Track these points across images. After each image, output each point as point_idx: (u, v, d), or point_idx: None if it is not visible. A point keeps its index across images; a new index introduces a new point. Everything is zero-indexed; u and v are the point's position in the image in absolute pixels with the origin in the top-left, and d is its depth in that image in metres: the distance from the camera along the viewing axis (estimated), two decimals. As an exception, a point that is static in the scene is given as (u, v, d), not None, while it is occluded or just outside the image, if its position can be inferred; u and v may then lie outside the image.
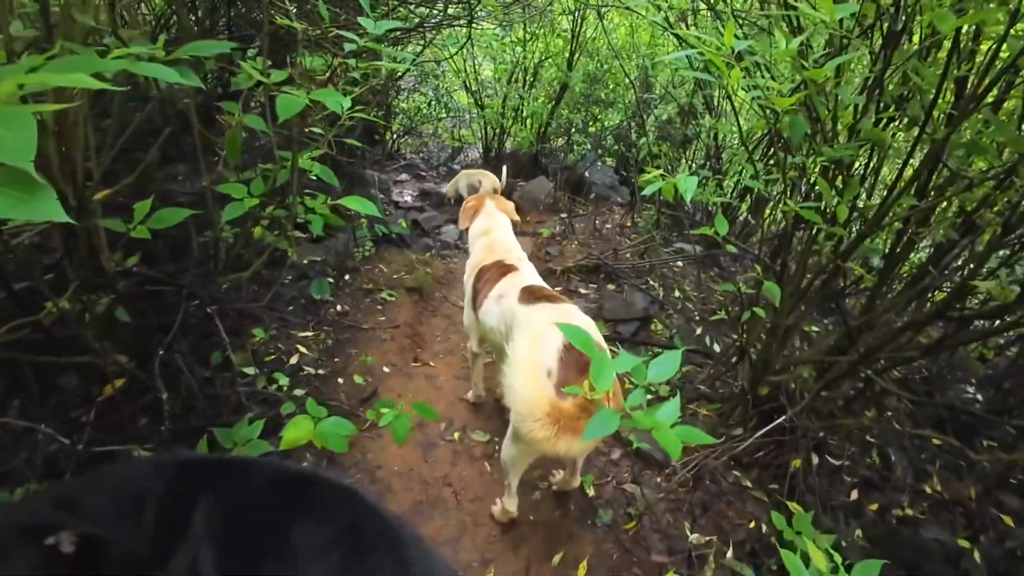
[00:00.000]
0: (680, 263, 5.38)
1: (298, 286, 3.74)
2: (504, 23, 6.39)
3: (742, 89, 1.74)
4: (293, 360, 3.11)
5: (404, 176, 9.05)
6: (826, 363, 2.68)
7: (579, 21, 7.15)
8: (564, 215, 6.83)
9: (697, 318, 4.28)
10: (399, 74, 9.20)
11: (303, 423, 1.92)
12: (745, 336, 2.95)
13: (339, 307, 3.68)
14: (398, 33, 4.07)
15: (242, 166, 2.80)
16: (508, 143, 8.84)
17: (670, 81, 8.98)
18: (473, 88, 8.03)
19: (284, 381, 2.79)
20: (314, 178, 2.48)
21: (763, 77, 2.02)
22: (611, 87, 8.57)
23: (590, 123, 8.57)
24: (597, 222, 6.27)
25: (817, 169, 2.04)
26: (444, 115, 10.29)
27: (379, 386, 3.10)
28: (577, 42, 7.18)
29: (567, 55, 7.25)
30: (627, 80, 9.13)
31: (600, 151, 8.46)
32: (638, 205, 6.65)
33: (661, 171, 2.15)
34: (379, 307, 3.86)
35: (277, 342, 3.22)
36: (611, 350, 1.76)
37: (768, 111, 2.24)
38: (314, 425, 1.92)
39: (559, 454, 1.77)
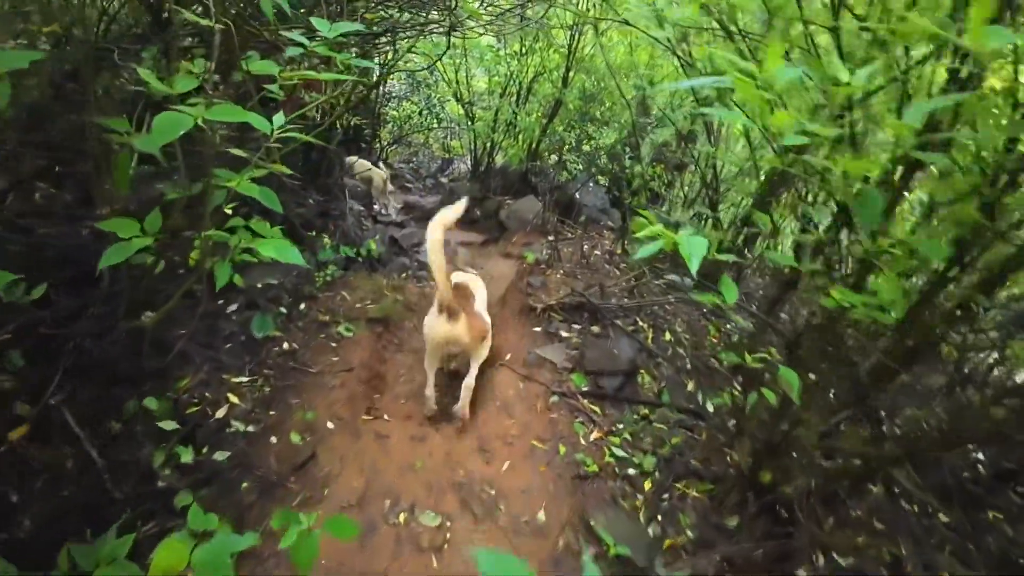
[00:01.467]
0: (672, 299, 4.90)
1: (244, 317, 3.22)
2: (496, 33, 5.91)
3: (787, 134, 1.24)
4: (221, 412, 2.59)
5: (389, 187, 8.54)
6: (845, 460, 2.21)
7: (576, 37, 6.69)
8: (551, 238, 6.36)
9: (688, 367, 3.80)
10: (382, 81, 8.72)
11: (176, 547, 1.41)
12: (745, 419, 2.47)
13: (286, 344, 3.16)
14: (365, 39, 3.56)
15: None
16: (498, 157, 8.36)
17: (668, 103, 8.57)
18: (465, 99, 7.55)
19: (188, 457, 2.26)
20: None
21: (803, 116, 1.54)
22: (607, 105, 8.14)
23: (583, 141, 8.12)
24: (585, 248, 5.79)
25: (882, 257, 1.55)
26: (435, 125, 9.81)
27: (318, 447, 2.58)
28: (573, 58, 6.72)
29: (563, 71, 6.78)
30: (623, 100, 8.75)
31: (593, 170, 8.01)
32: (629, 232, 6.17)
33: (657, 218, 1.67)
34: (333, 344, 3.33)
35: (206, 388, 2.69)
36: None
37: (788, 152, 1.78)
38: (190, 550, 1.42)
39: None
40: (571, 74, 6.77)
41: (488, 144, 7.76)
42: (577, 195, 7.01)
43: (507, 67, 7.31)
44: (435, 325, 2.78)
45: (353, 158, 7.96)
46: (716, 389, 3.66)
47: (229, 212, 2.19)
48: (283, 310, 3.43)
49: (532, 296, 4.14)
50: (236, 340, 3.03)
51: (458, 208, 3.21)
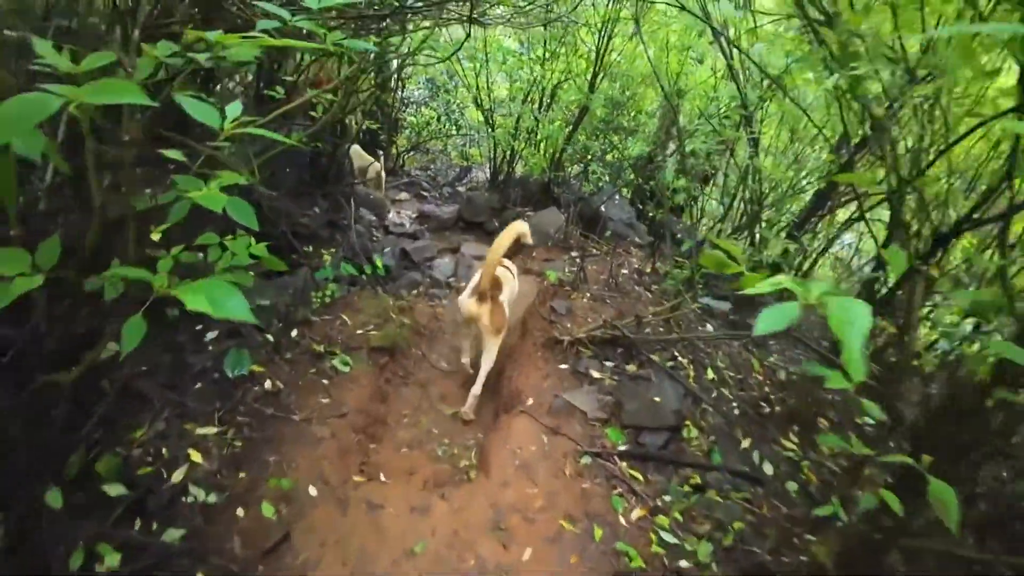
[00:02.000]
0: (710, 328, 4.33)
1: (222, 348, 2.71)
2: (520, 27, 5.40)
3: None
4: (178, 475, 2.07)
5: (404, 195, 8.06)
6: None
7: (605, 39, 6.15)
8: (575, 254, 5.80)
9: (737, 411, 3.23)
10: (400, 86, 8.25)
11: None
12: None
13: (269, 383, 2.64)
14: (364, 22, 3.07)
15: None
16: (519, 167, 7.84)
17: (700, 110, 8.00)
18: (485, 104, 7.05)
19: (113, 561, 1.73)
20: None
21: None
22: (632, 115, 7.57)
23: (608, 151, 7.57)
24: (613, 267, 5.24)
25: None
26: (454, 131, 9.32)
27: (295, 524, 2.04)
28: (602, 63, 6.18)
29: (589, 76, 6.24)
30: (652, 107, 8.23)
31: (619, 182, 7.45)
32: (660, 249, 5.61)
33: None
34: (326, 381, 2.81)
35: (165, 441, 2.18)
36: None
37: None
38: None
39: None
40: (599, 79, 6.23)
41: (508, 152, 7.24)
42: (602, 208, 6.46)
43: (530, 72, 6.79)
44: (465, 302, 3.06)
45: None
46: (768, 444, 3.08)
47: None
48: (270, 338, 2.91)
49: (557, 324, 3.59)
50: (208, 378, 2.52)
51: (517, 229, 3.47)
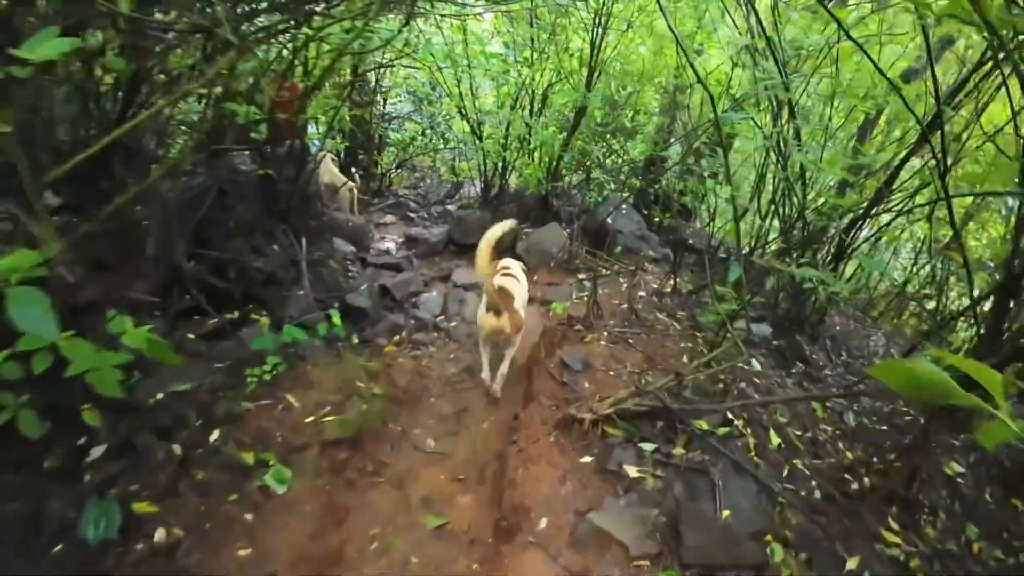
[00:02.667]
0: (754, 362, 3.46)
1: (105, 473, 1.86)
2: (497, 9, 4.58)
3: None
4: None
5: (389, 218, 7.22)
6: None
7: (600, 32, 5.31)
8: (583, 276, 4.94)
9: (820, 494, 2.36)
10: (375, 100, 7.41)
11: None
12: None
13: (162, 532, 1.78)
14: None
15: None
16: (513, 179, 7.01)
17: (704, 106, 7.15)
18: (470, 113, 6.21)
19: None
20: None
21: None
22: (632, 115, 6.73)
23: (608, 155, 6.73)
24: (626, 288, 4.38)
25: None
26: (441, 145, 8.49)
27: None
28: (597, 57, 5.33)
29: (584, 74, 5.40)
30: (651, 106, 7.39)
31: (616, 187, 6.59)
32: (680, 264, 4.76)
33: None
34: (249, 516, 1.93)
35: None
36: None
37: None
38: None
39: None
40: (596, 76, 5.38)
41: (499, 165, 6.40)
42: (609, 220, 5.60)
43: (518, 75, 5.96)
44: (485, 319, 3.02)
45: (322, 153, 6.70)
46: (870, 543, 2.21)
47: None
48: (177, 450, 2.05)
49: (570, 387, 2.72)
50: (71, 536, 1.66)
51: (507, 224, 3.19)
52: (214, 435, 2.20)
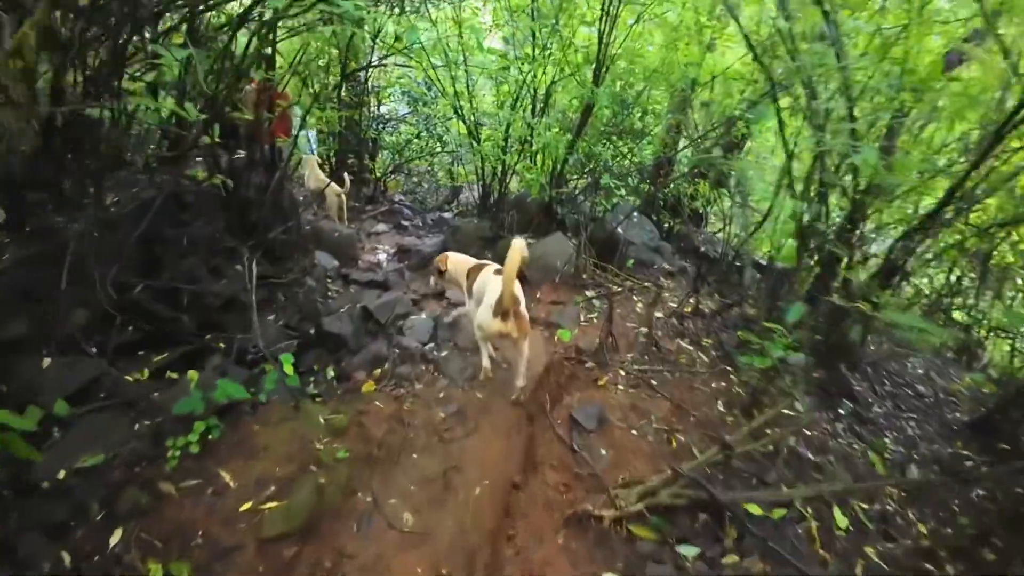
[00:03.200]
0: (801, 408, 2.86)
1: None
2: None
3: None
4: None
5: (381, 226, 6.64)
6: None
7: (609, 24, 4.72)
8: (591, 293, 4.34)
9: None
10: (369, 101, 6.81)
11: None
12: None
13: None
14: None
15: None
16: (513, 184, 6.42)
17: (718, 105, 6.56)
18: (466, 113, 5.63)
19: None
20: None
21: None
22: (640, 115, 6.12)
23: (615, 158, 6.13)
24: (643, 310, 3.78)
25: None
26: (438, 149, 7.91)
27: None
28: (605, 51, 4.74)
29: (592, 69, 4.81)
30: (658, 107, 6.79)
31: (632, 194, 5.99)
32: (702, 281, 4.17)
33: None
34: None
35: None
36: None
37: None
38: None
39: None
40: (604, 71, 4.79)
41: (499, 169, 5.81)
42: (619, 230, 5.00)
43: (518, 72, 5.37)
44: (492, 324, 2.78)
45: (307, 156, 6.13)
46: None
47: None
48: (65, 557, 1.48)
49: (582, 457, 2.12)
50: None
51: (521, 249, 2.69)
52: (116, 535, 1.62)
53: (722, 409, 2.62)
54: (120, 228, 3.17)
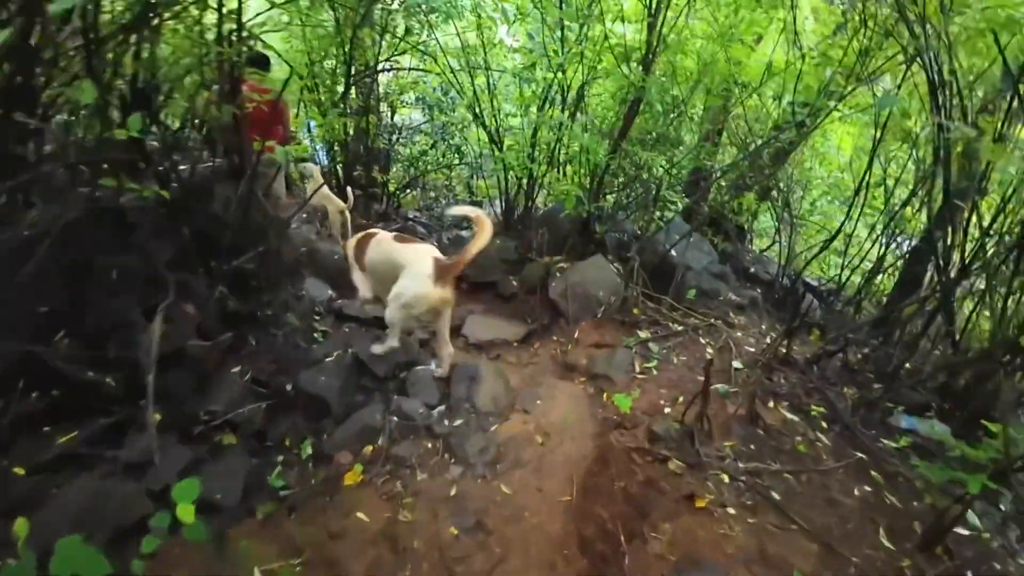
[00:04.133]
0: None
1: None
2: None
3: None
4: None
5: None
6: None
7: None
8: (647, 335, 3.36)
9: None
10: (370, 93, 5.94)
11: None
12: None
13: None
14: None
15: None
16: (541, 197, 5.50)
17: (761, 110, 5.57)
18: (486, 116, 4.74)
19: None
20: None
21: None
22: (677, 121, 5.13)
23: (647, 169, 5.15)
24: (714, 354, 2.79)
25: None
26: (456, 160, 7.03)
27: None
28: (659, 31, 3.81)
29: (643, 52, 3.87)
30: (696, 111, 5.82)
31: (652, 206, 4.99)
32: (800, 321, 3.17)
33: None
34: None
35: None
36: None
37: None
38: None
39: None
40: (655, 55, 3.85)
41: (525, 180, 4.90)
42: (673, 252, 4.02)
43: (547, 68, 4.46)
44: (432, 292, 2.62)
45: (310, 166, 5.28)
46: None
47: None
48: None
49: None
50: None
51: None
52: None
53: (888, 543, 1.62)
54: (32, 256, 2.32)
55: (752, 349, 3.27)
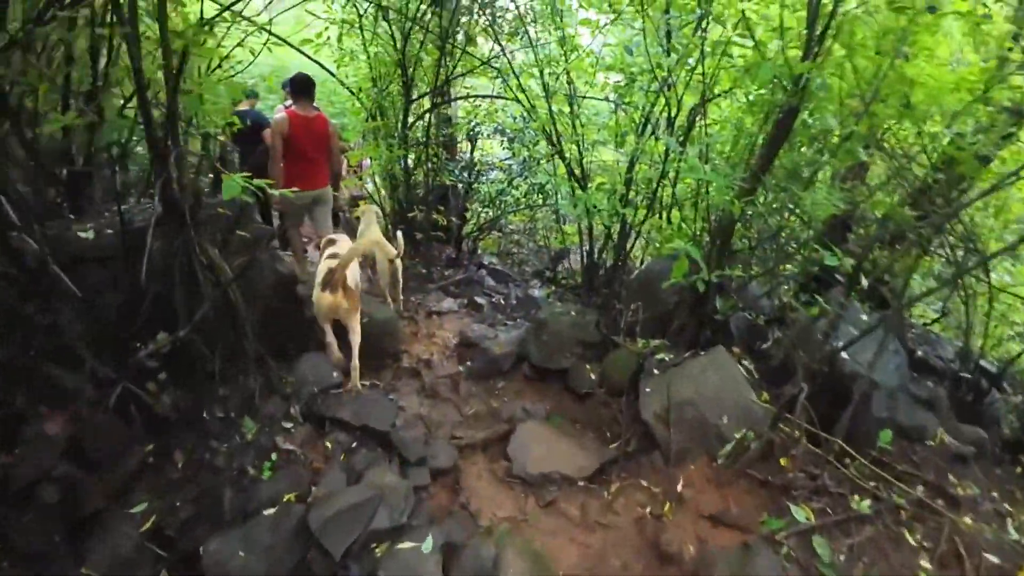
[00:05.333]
0: None
1: None
2: None
3: None
4: None
5: (448, 303, 4.62)
6: None
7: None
8: (809, 514, 1.84)
9: None
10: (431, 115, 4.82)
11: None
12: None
13: None
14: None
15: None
16: (637, 248, 4.12)
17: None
18: (567, 142, 3.51)
19: None
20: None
21: None
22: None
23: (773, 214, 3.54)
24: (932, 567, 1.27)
25: None
26: (538, 200, 5.85)
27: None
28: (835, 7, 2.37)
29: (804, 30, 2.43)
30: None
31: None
32: None
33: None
34: None
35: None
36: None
37: None
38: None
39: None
40: (823, 38, 2.40)
41: (616, 226, 3.57)
42: (844, 356, 2.43)
43: (651, 82, 3.17)
44: (322, 297, 2.77)
45: (370, 207, 4.33)
46: None
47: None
48: None
49: None
50: None
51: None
52: None
53: None
54: None
55: (996, 559, 1.66)
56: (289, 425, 2.38)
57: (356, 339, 2.91)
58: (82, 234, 2.11)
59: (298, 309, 3.11)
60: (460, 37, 4.11)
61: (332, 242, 3.22)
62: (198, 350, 2.29)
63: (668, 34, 3.15)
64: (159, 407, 2.09)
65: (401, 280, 4.30)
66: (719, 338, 2.81)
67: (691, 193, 3.21)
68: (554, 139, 3.52)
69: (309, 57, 4.05)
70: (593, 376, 3.03)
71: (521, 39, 3.88)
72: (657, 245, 3.58)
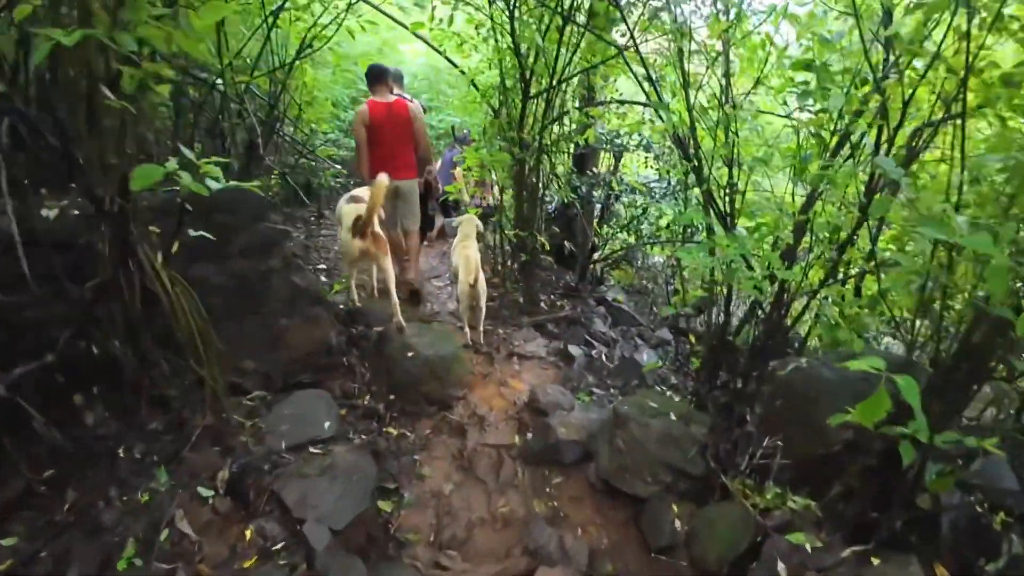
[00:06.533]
0: None
1: None
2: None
3: None
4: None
5: (536, 346, 3.65)
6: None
7: None
8: None
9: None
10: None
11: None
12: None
13: None
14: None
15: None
16: (803, 323, 2.71)
17: None
18: (704, 157, 2.35)
19: None
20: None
21: None
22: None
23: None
24: None
25: None
26: (680, 232, 4.59)
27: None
28: None
29: None
30: None
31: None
32: None
33: None
34: None
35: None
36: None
37: None
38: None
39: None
40: None
41: (767, 295, 2.30)
42: None
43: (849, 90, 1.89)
44: (352, 244, 2.88)
45: (468, 217, 3.72)
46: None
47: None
48: None
49: None
50: None
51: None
52: None
53: None
54: None
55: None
56: (209, 493, 1.68)
57: (390, 279, 3.07)
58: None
59: (313, 328, 2.45)
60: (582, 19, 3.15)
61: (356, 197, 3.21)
62: (135, 370, 1.72)
63: (888, 13, 1.86)
64: (83, 427, 1.56)
65: (484, 307, 3.52)
66: (915, 534, 1.46)
67: (911, 250, 1.85)
68: (690, 149, 2.38)
69: (429, 44, 3.62)
70: (678, 525, 1.86)
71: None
72: (833, 326, 2.22)
